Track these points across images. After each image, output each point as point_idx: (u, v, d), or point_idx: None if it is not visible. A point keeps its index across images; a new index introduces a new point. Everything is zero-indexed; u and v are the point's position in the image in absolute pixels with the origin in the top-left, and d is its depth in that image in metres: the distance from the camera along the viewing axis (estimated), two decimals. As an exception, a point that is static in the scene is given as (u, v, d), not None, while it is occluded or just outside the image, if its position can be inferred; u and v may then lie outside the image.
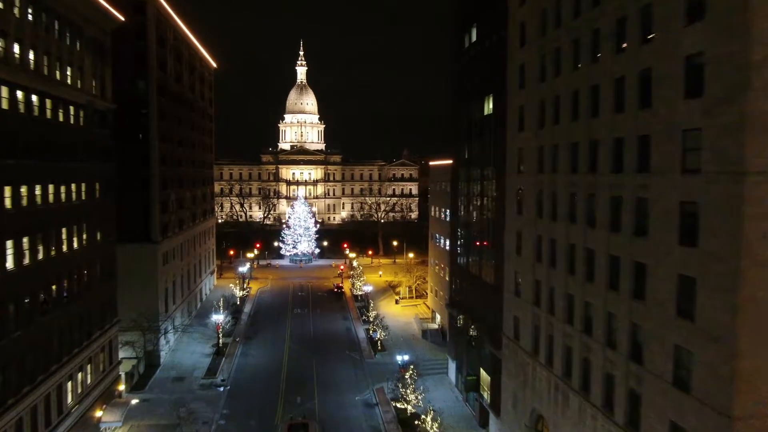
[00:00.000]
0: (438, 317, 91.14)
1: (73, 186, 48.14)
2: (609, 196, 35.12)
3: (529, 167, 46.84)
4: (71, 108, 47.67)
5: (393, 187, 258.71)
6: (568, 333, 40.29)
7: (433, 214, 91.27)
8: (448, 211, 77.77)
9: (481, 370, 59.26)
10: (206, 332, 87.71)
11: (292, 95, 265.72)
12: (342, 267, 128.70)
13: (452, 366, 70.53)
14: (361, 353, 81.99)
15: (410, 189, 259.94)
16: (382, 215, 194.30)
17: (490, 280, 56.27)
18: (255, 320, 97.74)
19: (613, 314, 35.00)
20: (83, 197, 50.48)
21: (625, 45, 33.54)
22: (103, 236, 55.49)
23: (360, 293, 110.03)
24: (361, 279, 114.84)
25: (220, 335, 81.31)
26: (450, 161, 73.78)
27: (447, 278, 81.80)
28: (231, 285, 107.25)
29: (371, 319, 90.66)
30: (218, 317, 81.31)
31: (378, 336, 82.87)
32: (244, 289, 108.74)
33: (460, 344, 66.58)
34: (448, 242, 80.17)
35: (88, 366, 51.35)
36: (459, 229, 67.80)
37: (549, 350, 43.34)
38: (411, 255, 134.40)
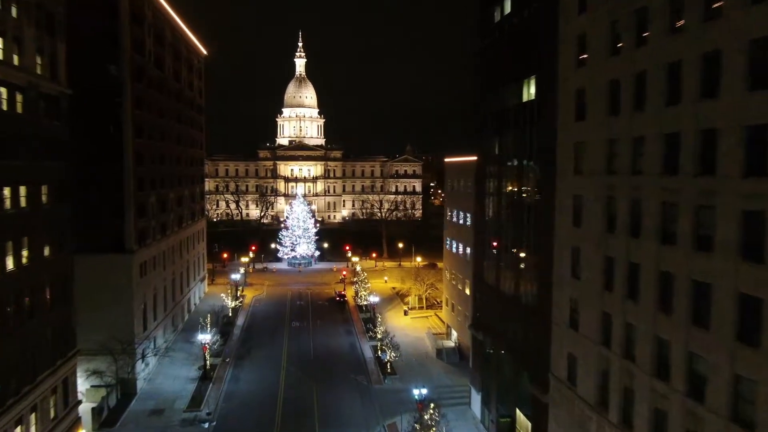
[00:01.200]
0: (454, 333, 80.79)
1: (5, 191, 37.57)
2: (737, 209, 24.62)
3: (593, 166, 36.31)
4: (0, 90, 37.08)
5: (396, 184, 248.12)
6: (661, 392, 29.82)
7: (448, 217, 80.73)
8: (469, 215, 67.22)
9: (518, 411, 48.89)
10: (193, 351, 77.24)
11: (291, 88, 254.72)
12: (344, 272, 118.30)
13: (476, 398, 60.12)
14: (369, 377, 71.58)
15: (413, 186, 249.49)
16: (386, 214, 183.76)
17: (531, 305, 45.84)
18: (248, 335, 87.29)
19: (742, 378, 24.57)
20: (22, 204, 39.94)
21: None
22: (54, 250, 44.99)
23: (365, 303, 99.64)
24: (366, 286, 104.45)
25: (208, 356, 70.90)
26: (473, 158, 63.27)
27: (467, 291, 71.35)
28: (222, 294, 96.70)
29: (379, 336, 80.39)
30: (204, 337, 70.84)
31: (387, 358, 72.44)
32: (236, 299, 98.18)
33: (488, 375, 56.21)
34: (468, 250, 69.67)
35: (32, 416, 40.92)
36: (486, 238, 57.30)
37: (626, 409, 32.91)
38: (419, 259, 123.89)
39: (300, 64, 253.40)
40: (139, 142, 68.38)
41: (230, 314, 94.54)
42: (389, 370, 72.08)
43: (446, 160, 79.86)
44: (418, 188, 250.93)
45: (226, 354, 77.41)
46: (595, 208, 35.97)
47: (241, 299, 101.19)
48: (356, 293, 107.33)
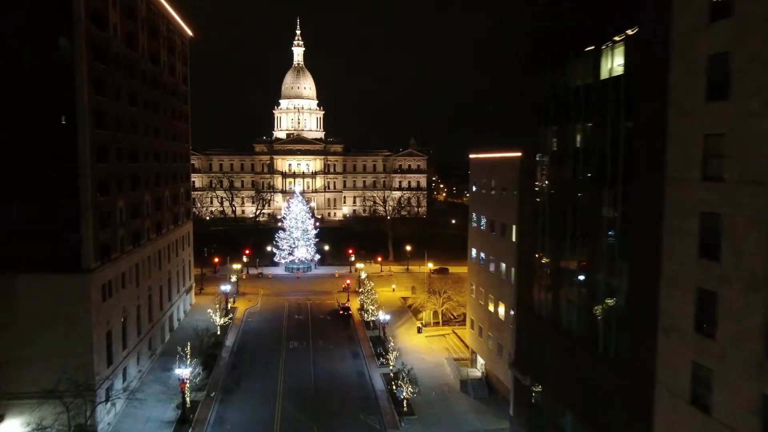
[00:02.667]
0: (480, 360, 68.52)
1: None
2: None
3: (748, 171, 23.83)
4: None
5: (399, 179, 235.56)
6: None
7: (474, 222, 68.17)
8: (507, 224, 54.67)
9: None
10: (171, 382, 64.67)
11: (289, 78, 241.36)
12: (348, 281, 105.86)
13: (520, 455, 47.93)
14: (382, 418, 59.27)
15: (418, 181, 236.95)
16: (391, 212, 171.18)
17: (617, 357, 33.46)
18: (238, 360, 74.90)
19: None
20: None
21: None
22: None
23: (372, 319, 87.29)
24: (373, 298, 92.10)
25: (187, 394, 58.55)
26: (512, 153, 50.81)
27: (501, 315, 59.03)
28: (210, 310, 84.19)
29: (391, 364, 68.19)
30: (183, 371, 58.40)
31: (404, 394, 60.12)
32: (226, 315, 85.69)
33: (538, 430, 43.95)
34: (504, 266, 57.26)
35: None
36: (537, 257, 44.86)
37: None
38: (431, 265, 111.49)
39: (298, 53, 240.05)
40: (101, 135, 55.79)
41: (218, 332, 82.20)
42: (405, 409, 59.87)
43: (472, 155, 67.22)
44: (423, 184, 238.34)
45: (211, 385, 65.10)
46: (749, 234, 23.51)
47: (231, 315, 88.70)
48: (362, 305, 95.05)
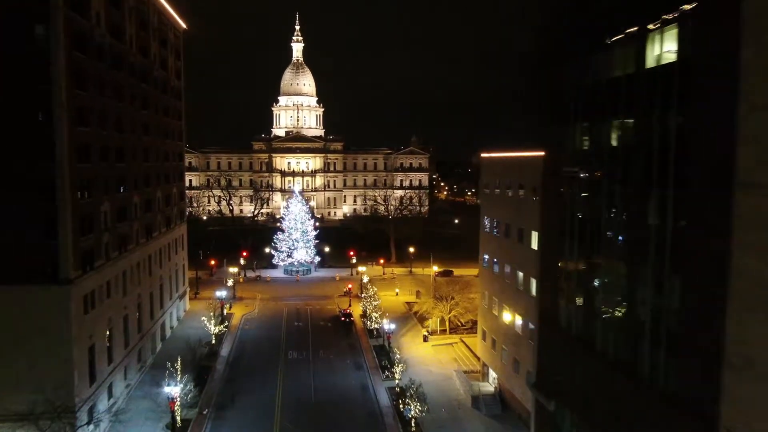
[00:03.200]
0: (492, 373, 64.06)
1: None
2: None
3: None
4: None
5: (401, 178, 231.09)
6: None
7: (486, 226, 63.58)
8: (527, 230, 50.04)
9: None
10: (161, 399, 59.99)
11: (287, 75, 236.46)
12: (350, 285, 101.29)
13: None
14: (388, 440, 54.96)
15: (420, 180, 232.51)
16: (393, 212, 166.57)
17: (665, 388, 28.91)
18: (234, 372, 70.35)
19: None
20: None
21: None
22: None
23: (376, 326, 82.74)
24: (376, 304, 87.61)
25: (178, 413, 54.06)
26: (533, 153, 46.28)
27: (517, 328, 54.52)
28: (204, 318, 79.56)
29: (397, 377, 63.79)
30: (172, 389, 53.82)
31: (412, 413, 55.61)
32: (221, 323, 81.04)
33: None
34: (521, 275, 52.70)
35: None
36: (563, 268, 40.34)
37: None
38: (435, 268, 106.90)
39: (297, 48, 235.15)
40: (83, 133, 51.18)
41: (213, 341, 77.67)
42: (414, 429, 55.44)
43: (484, 155, 62.59)
44: (425, 182, 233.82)
45: (204, 401, 60.62)
46: None
47: (227, 322, 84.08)
48: (364, 312, 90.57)
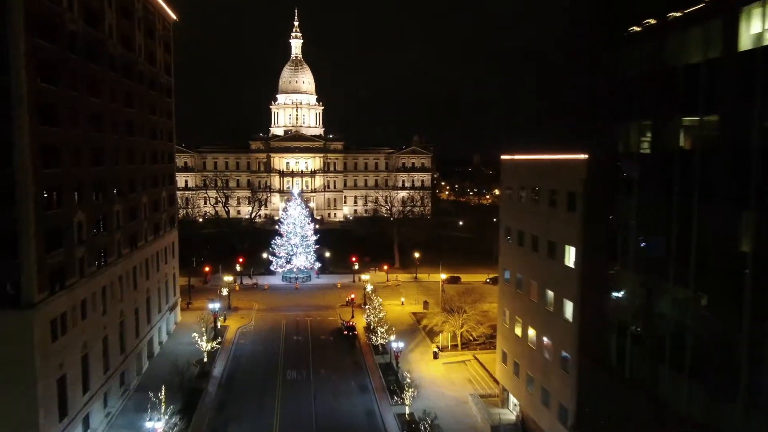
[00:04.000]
0: (512, 400, 57.66)
1: None
2: None
3: None
4: None
5: (402, 178, 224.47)
6: None
7: (507, 237, 57.04)
8: (560, 245, 43.47)
9: None
10: (146, 428, 53.57)
11: (286, 72, 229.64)
12: (353, 295, 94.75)
13: None
14: (399, 478, 48.55)
15: (422, 180, 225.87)
16: (396, 213, 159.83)
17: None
18: (227, 395, 63.80)
19: None
20: None
21: None
22: None
23: (382, 341, 76.20)
24: (381, 317, 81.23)
25: (161, 451, 47.60)
26: (573, 155, 39.80)
27: (545, 353, 48.02)
28: (195, 334, 72.99)
29: (407, 402, 57.53)
30: (156, 425, 47.33)
31: (426, 449, 49.24)
32: (214, 339, 74.49)
33: None
34: (549, 295, 46.20)
35: None
36: (614, 293, 33.80)
37: None
38: (443, 275, 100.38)
39: (296, 45, 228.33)
40: (50, 133, 44.64)
41: (205, 359, 71.22)
42: (428, 465, 49.15)
43: (505, 157, 55.93)
44: (428, 183, 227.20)
45: (192, 432, 54.21)
46: None
47: (220, 337, 77.44)
48: (369, 325, 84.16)
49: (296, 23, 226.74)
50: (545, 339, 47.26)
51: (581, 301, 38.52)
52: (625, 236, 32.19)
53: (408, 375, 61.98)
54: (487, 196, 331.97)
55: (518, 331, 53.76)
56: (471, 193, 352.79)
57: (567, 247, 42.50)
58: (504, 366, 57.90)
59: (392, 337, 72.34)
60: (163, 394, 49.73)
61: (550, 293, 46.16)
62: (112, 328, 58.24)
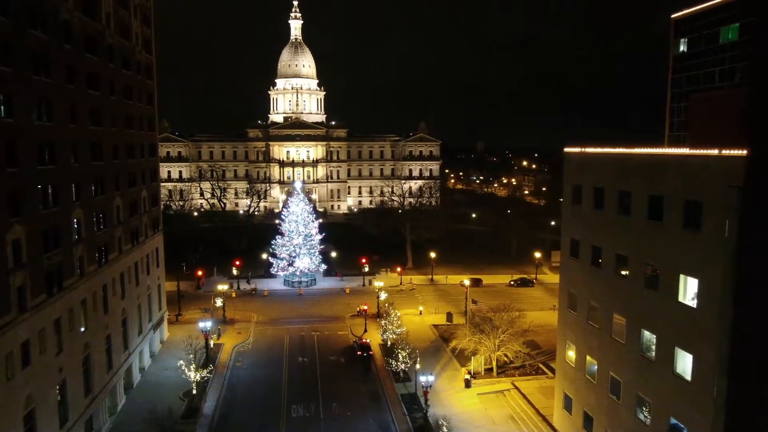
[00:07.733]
0: (575, 453, 45.79)
1: None
2: None
3: None
4: None
5: (410, 167, 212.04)
6: None
7: (578, 254, 44.54)
8: (675, 275, 31.27)
9: None
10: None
11: (285, 55, 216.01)
12: (365, 306, 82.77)
13: None
14: None
15: (431, 169, 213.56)
16: (407, 206, 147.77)
17: None
18: (219, 443, 52.21)
19: None
20: None
21: None
22: None
23: (402, 366, 64.19)
24: (401, 333, 69.51)
25: None
26: (700, 151, 27.58)
27: (649, 423, 36.07)
28: (181, 362, 60.96)
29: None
30: None
31: None
32: (205, 367, 62.36)
33: None
34: (652, 340, 34.19)
35: None
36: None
37: None
38: (467, 281, 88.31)
39: (296, 26, 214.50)
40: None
41: (194, 391, 59.44)
42: None
43: (571, 150, 43.35)
44: (436, 172, 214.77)
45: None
46: None
47: (211, 366, 65.13)
48: (385, 342, 72.44)
49: (295, 3, 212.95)
50: (640, 395, 35.25)
51: (729, 365, 26.41)
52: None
53: (441, 419, 50.18)
54: (495, 185, 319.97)
55: (593, 377, 41.69)
56: (477, 182, 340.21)
57: (682, 276, 30.40)
58: (567, 415, 45.98)
59: (417, 366, 60.48)
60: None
61: (648, 335, 34.12)
62: (73, 367, 46.29)
